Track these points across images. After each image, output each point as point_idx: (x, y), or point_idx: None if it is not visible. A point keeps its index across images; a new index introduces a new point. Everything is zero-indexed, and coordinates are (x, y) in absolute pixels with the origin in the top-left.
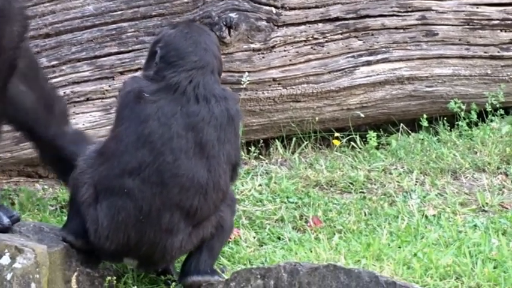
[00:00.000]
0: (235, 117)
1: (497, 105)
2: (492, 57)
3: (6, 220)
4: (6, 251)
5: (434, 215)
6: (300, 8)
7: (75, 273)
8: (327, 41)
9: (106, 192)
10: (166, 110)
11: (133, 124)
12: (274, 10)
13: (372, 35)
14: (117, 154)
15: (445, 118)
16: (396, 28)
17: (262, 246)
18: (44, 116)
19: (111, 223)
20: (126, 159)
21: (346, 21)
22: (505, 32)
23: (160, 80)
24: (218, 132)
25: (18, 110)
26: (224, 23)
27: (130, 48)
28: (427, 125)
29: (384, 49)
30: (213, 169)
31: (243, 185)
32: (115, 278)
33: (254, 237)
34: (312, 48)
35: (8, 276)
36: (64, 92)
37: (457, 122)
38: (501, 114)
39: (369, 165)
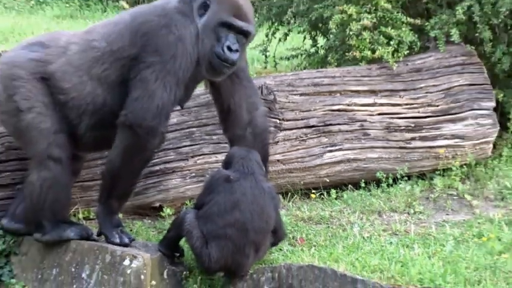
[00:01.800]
0: (275, 195)
1: (403, 175)
2: (401, 147)
3: (127, 240)
4: (127, 257)
5: (368, 237)
6: (292, 120)
7: (166, 270)
8: (308, 139)
9: (214, 238)
10: (244, 186)
11: (226, 195)
12: (278, 121)
13: (333, 135)
14: (219, 214)
15: (374, 182)
16: (346, 131)
17: (271, 254)
18: None
19: (220, 255)
20: (226, 217)
21: (319, 127)
22: (407, 133)
23: (237, 170)
24: (269, 201)
25: None
26: None
27: (197, 143)
28: (364, 185)
29: (339, 143)
30: (268, 222)
31: None
32: (188, 272)
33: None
34: (299, 143)
35: (128, 271)
36: (159, 168)
37: (381, 184)
38: (405, 180)
39: (331, 208)
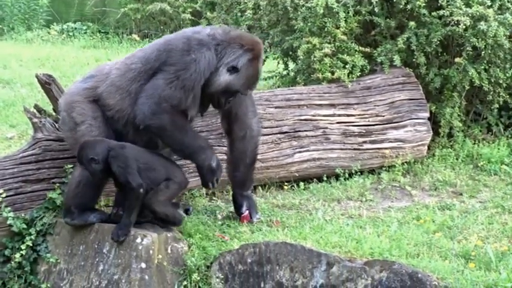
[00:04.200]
0: None
1: (357, 170)
2: (355, 149)
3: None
4: (139, 236)
5: (329, 219)
6: (269, 127)
7: (169, 246)
8: (281, 142)
9: None
10: None
11: None
12: None
13: (301, 139)
14: None
15: (334, 176)
16: (312, 136)
17: (253, 233)
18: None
19: None
20: None
21: (290, 133)
22: (360, 138)
23: None
24: None
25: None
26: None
27: None
28: (326, 179)
29: (306, 145)
30: None
31: None
32: (187, 247)
33: (249, 229)
34: (274, 145)
35: (140, 247)
36: None
37: (339, 178)
38: (359, 174)
39: (300, 197)
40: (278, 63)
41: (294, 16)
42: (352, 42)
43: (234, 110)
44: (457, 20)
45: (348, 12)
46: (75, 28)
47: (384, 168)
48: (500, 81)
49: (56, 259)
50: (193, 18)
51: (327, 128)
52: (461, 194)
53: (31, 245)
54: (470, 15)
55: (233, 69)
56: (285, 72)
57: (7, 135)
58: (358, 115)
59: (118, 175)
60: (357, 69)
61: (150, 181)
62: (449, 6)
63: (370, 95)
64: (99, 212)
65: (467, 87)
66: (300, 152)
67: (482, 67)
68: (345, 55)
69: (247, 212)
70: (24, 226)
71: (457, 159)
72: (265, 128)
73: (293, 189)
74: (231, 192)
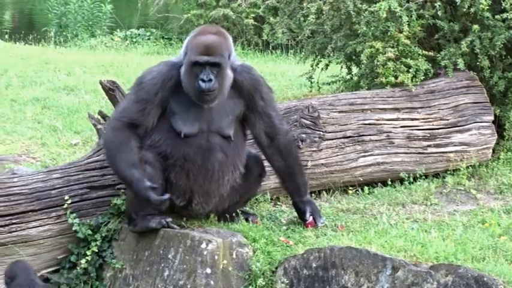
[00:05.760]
0: None
1: (422, 174)
2: (419, 153)
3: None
4: (204, 241)
5: (394, 224)
6: (333, 132)
7: (234, 251)
8: (345, 146)
9: None
10: None
11: None
12: (321, 133)
13: (365, 143)
14: None
15: (398, 180)
16: (376, 140)
17: (318, 237)
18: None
19: None
20: None
21: (354, 137)
22: (424, 142)
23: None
24: None
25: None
26: (300, 139)
27: None
28: (390, 183)
29: (370, 150)
30: None
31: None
32: (252, 252)
33: (314, 234)
34: (338, 150)
35: (205, 253)
36: None
37: (404, 182)
38: (423, 178)
39: (365, 202)
40: (341, 67)
41: (357, 20)
42: (415, 46)
43: (251, 132)
44: None
45: (411, 16)
46: (139, 34)
47: (448, 172)
48: None
49: (122, 265)
50: (256, 23)
51: (391, 132)
52: None
53: (96, 250)
54: None
55: (184, 56)
56: (348, 77)
57: (72, 142)
58: (422, 119)
59: None
60: (420, 73)
61: None
62: None
63: (434, 98)
64: (161, 217)
65: None
66: (364, 156)
67: None
68: (409, 59)
69: (311, 218)
70: (90, 232)
71: None
72: (329, 132)
73: (357, 194)
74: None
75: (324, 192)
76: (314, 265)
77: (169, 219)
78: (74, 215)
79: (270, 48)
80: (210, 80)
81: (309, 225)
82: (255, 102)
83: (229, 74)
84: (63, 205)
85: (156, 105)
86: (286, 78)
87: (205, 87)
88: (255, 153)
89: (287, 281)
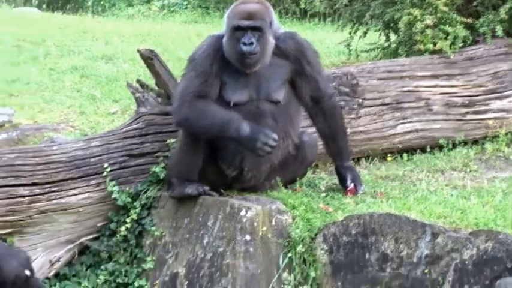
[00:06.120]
0: None
1: (461, 141)
2: (458, 120)
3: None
4: (243, 208)
5: (433, 190)
6: (371, 99)
7: (274, 218)
8: (384, 114)
9: None
10: None
11: None
12: (360, 100)
13: (404, 110)
14: None
15: (437, 147)
16: (415, 107)
17: (357, 204)
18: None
19: None
20: None
21: (392, 105)
22: (463, 108)
23: None
24: None
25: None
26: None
27: None
28: (429, 150)
29: (409, 117)
30: None
31: None
32: (291, 219)
33: (353, 201)
34: (377, 117)
35: (244, 220)
36: None
37: (443, 149)
38: (462, 145)
39: (404, 168)
40: (380, 35)
41: None
42: (453, 13)
43: (298, 96)
44: None
45: None
46: (176, 3)
47: (487, 139)
48: None
49: (161, 232)
50: None
51: (429, 99)
52: None
53: (136, 218)
54: None
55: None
56: (386, 44)
57: (110, 110)
58: (461, 86)
59: None
60: (459, 40)
61: None
62: None
63: (472, 65)
64: (198, 184)
65: None
66: (403, 123)
67: None
68: (447, 26)
69: (352, 184)
70: (129, 200)
71: None
72: (368, 99)
73: (396, 161)
74: (333, 165)
75: (363, 159)
76: (353, 232)
77: (206, 187)
78: (113, 182)
79: (308, 16)
80: (251, 44)
81: (349, 192)
82: (301, 66)
83: (271, 40)
84: (102, 173)
85: (215, 75)
86: (324, 46)
87: (247, 50)
88: (314, 138)
89: (326, 248)
